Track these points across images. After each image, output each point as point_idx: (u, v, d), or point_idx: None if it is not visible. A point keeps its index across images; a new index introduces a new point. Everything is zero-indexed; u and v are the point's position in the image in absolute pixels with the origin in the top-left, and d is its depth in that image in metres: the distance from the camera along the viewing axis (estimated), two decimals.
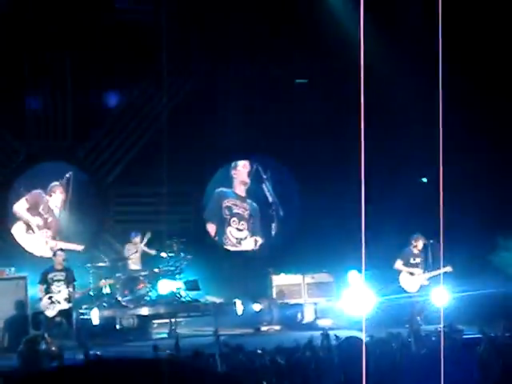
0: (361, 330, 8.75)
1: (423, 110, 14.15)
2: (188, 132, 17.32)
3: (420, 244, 14.64)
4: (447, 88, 6.15)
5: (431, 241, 14.15)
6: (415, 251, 14.71)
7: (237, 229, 17.17)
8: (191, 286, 15.99)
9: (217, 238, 17.31)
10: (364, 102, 5.44)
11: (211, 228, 17.29)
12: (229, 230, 17.13)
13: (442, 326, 9.68)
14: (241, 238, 17.15)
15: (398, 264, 14.62)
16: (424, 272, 14.57)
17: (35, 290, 14.35)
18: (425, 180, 17.07)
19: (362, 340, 7.24)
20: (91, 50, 17.03)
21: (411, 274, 14.59)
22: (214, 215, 17.04)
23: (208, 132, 17.55)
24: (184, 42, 17.36)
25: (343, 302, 15.03)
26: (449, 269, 13.99)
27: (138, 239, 15.85)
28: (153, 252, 15.79)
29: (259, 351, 9.64)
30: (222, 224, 17.13)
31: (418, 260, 14.65)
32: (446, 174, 5.88)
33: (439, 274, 13.97)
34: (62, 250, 14.65)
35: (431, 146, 6.44)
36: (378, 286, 14.89)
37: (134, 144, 17.84)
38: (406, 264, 14.59)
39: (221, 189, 17.11)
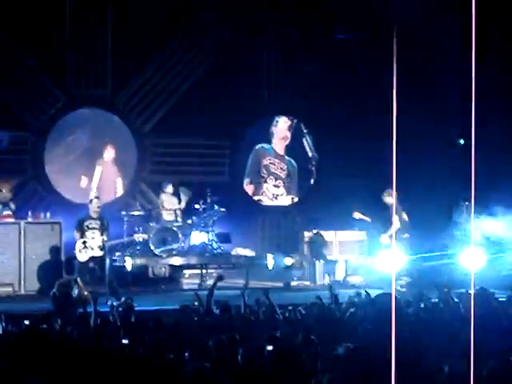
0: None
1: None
2: (225, 85, 17.31)
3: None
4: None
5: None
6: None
7: (274, 185, 17.11)
8: (223, 238, 16.12)
9: (253, 195, 17.25)
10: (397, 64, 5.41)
11: (249, 184, 17.25)
12: (265, 186, 17.03)
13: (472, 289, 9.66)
14: (277, 193, 17.09)
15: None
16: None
17: (70, 236, 14.52)
18: (461, 141, 16.94)
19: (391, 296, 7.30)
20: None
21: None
22: (253, 172, 16.94)
23: (246, 86, 17.50)
24: None
25: (374, 260, 15.03)
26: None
27: (170, 189, 15.96)
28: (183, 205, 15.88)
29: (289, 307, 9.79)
30: (259, 181, 17.01)
31: None
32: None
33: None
34: (97, 197, 14.73)
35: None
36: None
37: (172, 94, 17.87)
38: None
39: (261, 145, 16.90)
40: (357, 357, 6.09)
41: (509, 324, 8.35)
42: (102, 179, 17.34)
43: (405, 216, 14.49)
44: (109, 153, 17.38)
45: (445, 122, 16.51)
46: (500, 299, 10.24)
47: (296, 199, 17.35)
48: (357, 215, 14.95)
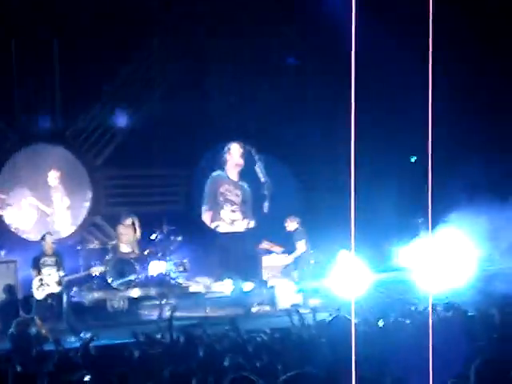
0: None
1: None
2: (176, 115, 17.32)
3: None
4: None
5: None
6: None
7: (231, 211, 17.14)
8: (181, 267, 16.05)
9: (211, 222, 17.25)
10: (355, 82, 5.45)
11: (207, 212, 17.28)
12: (222, 212, 17.10)
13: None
14: (234, 219, 17.13)
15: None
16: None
17: (26, 274, 14.36)
18: (413, 159, 17.13)
19: (349, 319, 7.28)
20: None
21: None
22: (210, 199, 17.04)
23: (196, 115, 17.51)
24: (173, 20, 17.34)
25: (332, 281, 15.07)
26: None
27: (128, 221, 15.89)
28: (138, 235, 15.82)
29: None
30: (217, 208, 17.10)
31: None
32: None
33: None
34: (50, 233, 14.60)
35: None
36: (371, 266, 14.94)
37: (123, 126, 17.81)
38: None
39: (217, 172, 16.98)
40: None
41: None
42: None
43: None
44: (52, 176, 17.17)
45: (398, 140, 16.67)
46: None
47: (252, 223, 17.32)
48: (264, 245, 15.23)
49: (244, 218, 17.06)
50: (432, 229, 14.91)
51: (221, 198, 16.89)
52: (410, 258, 15.03)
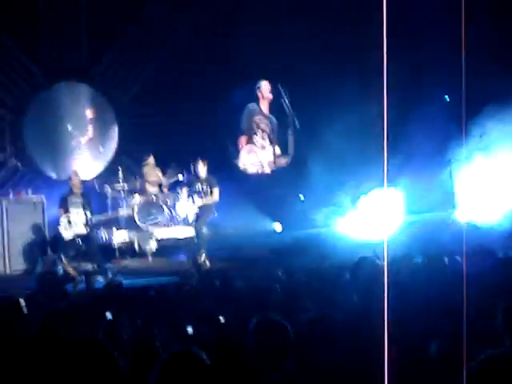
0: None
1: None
2: (207, 50, 17.12)
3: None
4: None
5: None
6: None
7: (262, 138, 17.75)
8: None
9: (245, 144, 17.62)
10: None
11: (242, 136, 17.79)
12: (255, 138, 17.76)
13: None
14: (264, 145, 17.62)
15: None
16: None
17: (53, 213, 14.30)
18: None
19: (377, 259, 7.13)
20: None
21: None
22: (246, 125, 17.76)
23: (224, 53, 17.27)
24: None
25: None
26: None
27: (151, 160, 15.75)
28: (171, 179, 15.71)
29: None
30: (251, 133, 17.80)
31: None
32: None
33: None
34: (76, 172, 14.51)
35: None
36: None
37: (150, 62, 17.64)
38: None
39: (252, 104, 17.74)
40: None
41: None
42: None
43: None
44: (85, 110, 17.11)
45: (432, 77, 16.31)
46: None
47: (277, 149, 17.60)
48: None
49: (272, 145, 17.68)
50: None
51: (254, 126, 17.68)
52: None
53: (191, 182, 14.94)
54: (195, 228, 14.43)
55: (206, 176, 14.82)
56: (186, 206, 14.97)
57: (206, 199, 14.66)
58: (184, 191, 14.89)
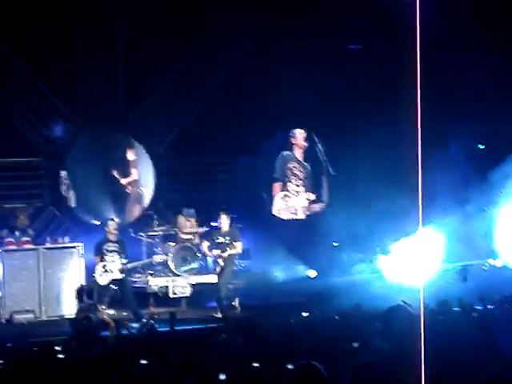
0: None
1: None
2: (238, 102, 17.31)
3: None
4: None
5: None
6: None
7: (296, 185, 17.74)
8: (244, 255, 16.00)
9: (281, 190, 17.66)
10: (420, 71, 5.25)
11: (277, 183, 17.80)
12: (289, 185, 17.75)
13: None
14: (298, 191, 17.64)
15: None
16: None
17: (89, 259, 14.42)
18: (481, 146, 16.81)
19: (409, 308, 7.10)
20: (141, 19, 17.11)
21: None
22: (280, 173, 17.80)
23: (258, 102, 17.46)
24: (236, 4, 17.28)
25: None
26: None
27: (189, 212, 15.91)
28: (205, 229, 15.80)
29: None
30: (285, 180, 17.82)
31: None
32: None
33: None
34: (113, 219, 14.67)
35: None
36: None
37: (186, 113, 17.88)
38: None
39: (287, 152, 17.78)
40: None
41: None
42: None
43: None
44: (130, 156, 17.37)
45: (464, 126, 16.34)
46: None
47: (312, 196, 17.60)
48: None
49: (306, 191, 17.71)
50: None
51: (289, 172, 17.75)
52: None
53: (213, 235, 15.00)
54: (218, 281, 14.54)
55: (228, 229, 14.88)
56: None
57: (228, 252, 14.68)
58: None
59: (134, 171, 17.32)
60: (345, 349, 7.68)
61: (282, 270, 16.20)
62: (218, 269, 14.75)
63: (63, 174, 17.23)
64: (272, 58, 17.73)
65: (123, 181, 17.17)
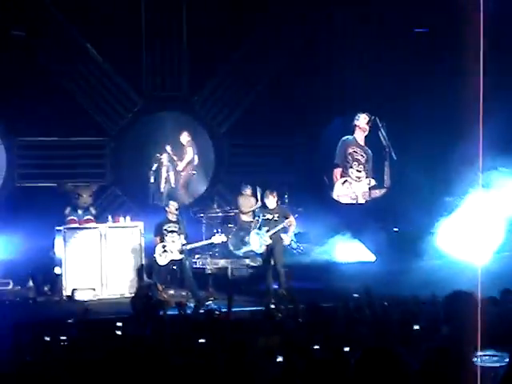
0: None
1: None
2: (300, 85, 17.26)
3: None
4: None
5: None
6: None
7: (357, 170, 17.83)
8: (302, 238, 16.01)
9: (340, 177, 17.74)
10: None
11: (337, 169, 17.92)
12: (350, 170, 17.87)
13: None
14: (360, 176, 17.72)
15: None
16: None
17: (150, 239, 14.54)
18: None
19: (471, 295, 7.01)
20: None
21: None
22: (340, 158, 17.88)
23: (322, 86, 17.39)
24: None
25: None
26: None
27: (248, 191, 15.91)
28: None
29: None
30: (346, 165, 17.94)
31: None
32: None
33: None
34: (174, 200, 14.75)
35: None
36: None
37: (247, 95, 17.90)
38: None
39: (347, 136, 17.86)
40: None
41: None
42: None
43: None
44: (184, 137, 17.48)
45: None
46: None
47: (373, 182, 17.65)
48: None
49: (367, 177, 17.69)
50: None
51: (349, 158, 17.84)
52: None
53: (260, 212, 14.64)
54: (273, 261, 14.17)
55: (275, 206, 14.51)
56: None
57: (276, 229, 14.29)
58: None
59: (189, 152, 17.44)
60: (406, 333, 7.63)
61: (342, 254, 16.16)
62: (264, 248, 14.23)
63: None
64: (337, 43, 17.64)
65: (180, 164, 17.34)
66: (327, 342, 7.34)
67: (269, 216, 13.99)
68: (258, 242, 14.07)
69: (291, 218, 14.02)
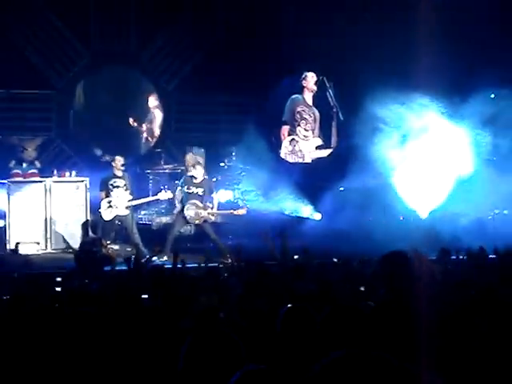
0: None
1: None
2: (250, 44, 17.22)
3: None
4: None
5: None
6: None
7: (304, 129, 17.81)
8: (250, 195, 16.08)
9: (288, 135, 17.73)
10: None
11: (284, 127, 17.91)
12: (298, 129, 17.86)
13: None
14: (307, 135, 17.72)
15: None
16: None
17: (95, 194, 14.47)
18: None
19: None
20: None
21: None
22: (289, 116, 17.88)
23: (271, 46, 17.35)
24: None
25: None
26: None
27: (193, 149, 15.94)
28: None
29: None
30: (294, 124, 17.92)
31: None
32: None
33: None
34: (120, 155, 14.65)
35: None
36: None
37: (196, 52, 17.81)
38: None
39: (296, 95, 17.83)
40: None
41: None
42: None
43: None
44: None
45: None
46: None
47: (319, 141, 17.72)
48: None
49: (314, 136, 17.75)
50: None
51: (298, 116, 17.83)
52: None
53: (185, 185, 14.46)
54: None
55: (202, 180, 13.86)
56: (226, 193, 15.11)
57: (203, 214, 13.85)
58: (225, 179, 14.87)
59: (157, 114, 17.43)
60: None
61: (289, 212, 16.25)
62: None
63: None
64: (286, 3, 17.56)
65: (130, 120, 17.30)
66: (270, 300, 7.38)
67: (193, 189, 13.74)
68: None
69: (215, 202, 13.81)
